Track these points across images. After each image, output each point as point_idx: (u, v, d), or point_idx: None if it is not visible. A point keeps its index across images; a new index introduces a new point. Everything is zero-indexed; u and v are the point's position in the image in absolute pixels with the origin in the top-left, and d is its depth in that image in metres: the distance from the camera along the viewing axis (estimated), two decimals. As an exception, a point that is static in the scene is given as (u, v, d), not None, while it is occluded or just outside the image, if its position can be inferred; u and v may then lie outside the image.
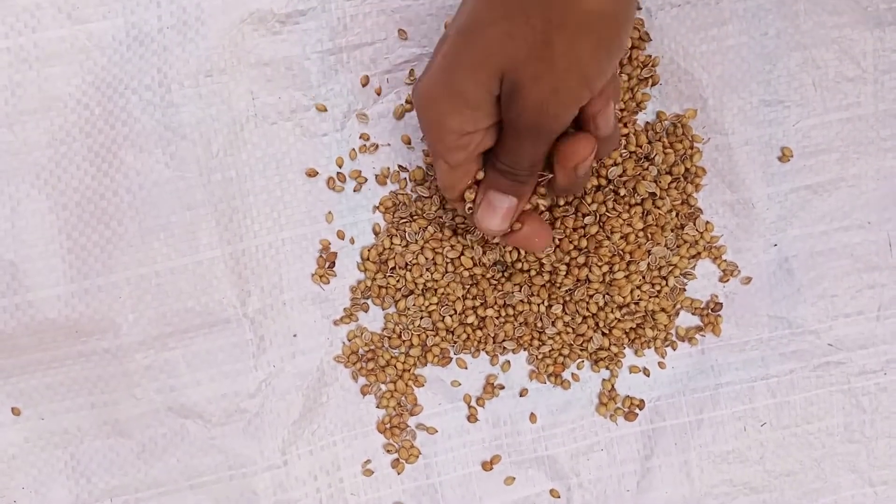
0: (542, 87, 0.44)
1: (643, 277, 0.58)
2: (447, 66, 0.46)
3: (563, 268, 0.58)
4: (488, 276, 0.59)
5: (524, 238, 0.53)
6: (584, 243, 0.57)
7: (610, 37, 0.43)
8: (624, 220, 0.57)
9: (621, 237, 0.57)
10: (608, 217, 0.57)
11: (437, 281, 0.58)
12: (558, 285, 0.58)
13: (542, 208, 0.55)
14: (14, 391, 0.58)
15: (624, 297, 0.58)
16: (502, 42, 0.43)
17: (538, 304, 0.59)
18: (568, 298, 0.58)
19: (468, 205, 0.52)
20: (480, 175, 0.51)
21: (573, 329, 0.59)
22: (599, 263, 0.57)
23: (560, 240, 0.57)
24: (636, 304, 0.59)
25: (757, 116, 0.58)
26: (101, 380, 0.58)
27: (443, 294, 0.59)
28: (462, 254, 0.58)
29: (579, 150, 0.48)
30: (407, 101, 0.58)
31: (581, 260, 0.57)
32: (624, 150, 0.57)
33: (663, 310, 0.59)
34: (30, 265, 0.56)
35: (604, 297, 0.58)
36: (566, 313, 0.59)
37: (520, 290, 0.58)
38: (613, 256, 0.57)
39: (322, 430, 0.59)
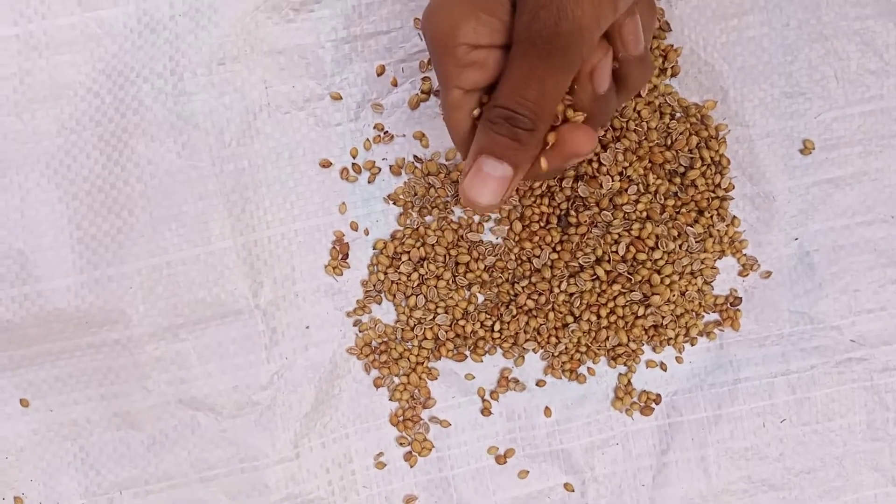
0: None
1: (678, 275, 0.57)
2: None
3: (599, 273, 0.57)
4: (503, 278, 0.58)
5: (562, 148, 0.43)
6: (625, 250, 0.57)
7: None
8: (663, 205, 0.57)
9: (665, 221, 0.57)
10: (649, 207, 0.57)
11: (447, 281, 0.58)
12: (598, 292, 0.58)
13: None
14: (23, 382, 0.57)
15: (662, 300, 0.57)
16: None
17: (560, 307, 0.58)
18: (594, 301, 0.58)
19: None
20: None
21: (594, 330, 0.58)
22: (643, 255, 0.57)
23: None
24: (667, 304, 0.58)
25: (778, 108, 0.57)
26: (111, 371, 0.57)
27: (451, 302, 0.58)
28: (477, 258, 0.58)
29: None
30: (422, 91, 0.57)
31: (622, 268, 0.57)
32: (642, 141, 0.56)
33: (687, 311, 0.58)
34: (39, 255, 0.55)
35: (627, 296, 0.57)
36: (592, 312, 0.58)
37: (540, 295, 0.58)
38: (658, 259, 0.57)
39: (334, 423, 0.59)
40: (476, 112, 0.44)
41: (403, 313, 0.58)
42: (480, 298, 0.59)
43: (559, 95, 0.42)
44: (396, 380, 0.59)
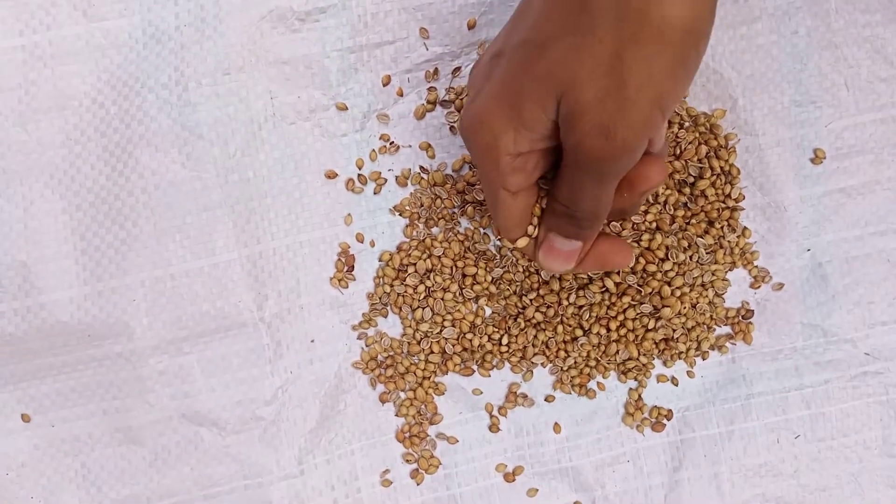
0: (607, 108, 0.39)
1: (689, 287, 0.56)
2: (503, 84, 0.42)
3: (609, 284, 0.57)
4: (511, 290, 0.57)
5: (600, 259, 0.48)
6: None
7: (686, 52, 0.39)
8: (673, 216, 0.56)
9: (675, 234, 0.56)
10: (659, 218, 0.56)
11: (454, 293, 0.57)
12: (607, 304, 0.57)
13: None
14: (24, 397, 0.56)
15: (672, 312, 0.56)
16: (566, 57, 0.39)
17: (569, 320, 0.57)
18: (604, 314, 0.57)
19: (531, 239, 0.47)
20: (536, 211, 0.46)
21: (604, 344, 0.57)
22: (654, 271, 0.56)
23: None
24: (678, 317, 0.57)
25: (788, 117, 0.56)
26: (113, 385, 0.56)
27: (458, 314, 0.57)
28: (484, 270, 0.57)
29: (652, 176, 0.44)
30: (428, 101, 0.56)
31: (632, 280, 0.56)
32: None
33: (699, 324, 0.57)
34: (42, 267, 0.54)
35: (637, 309, 0.56)
36: (601, 325, 0.57)
37: (548, 308, 0.57)
38: (669, 271, 0.56)
39: (339, 439, 0.58)
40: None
41: (410, 327, 0.58)
42: (488, 311, 0.58)
43: (611, 199, 0.43)
44: (403, 395, 0.58)
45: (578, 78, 0.39)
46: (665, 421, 0.58)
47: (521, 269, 0.57)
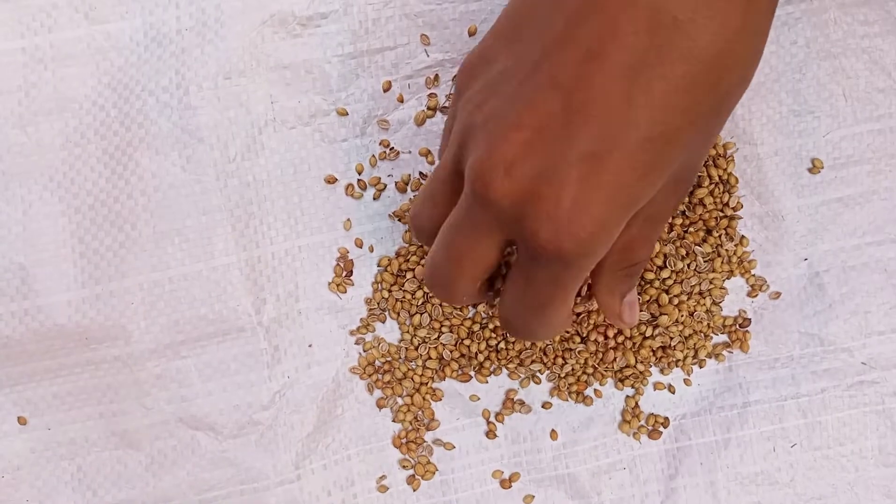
0: (699, 166, 0.43)
1: (687, 295, 0.56)
2: (624, 190, 0.38)
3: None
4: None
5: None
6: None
7: None
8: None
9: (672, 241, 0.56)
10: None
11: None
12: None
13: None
14: (20, 399, 0.56)
15: (670, 320, 0.56)
16: (692, 139, 0.40)
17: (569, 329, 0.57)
18: (601, 321, 0.57)
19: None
20: None
21: (601, 351, 0.57)
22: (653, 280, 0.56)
23: None
24: (675, 325, 0.57)
25: (786, 126, 0.57)
26: (110, 389, 0.56)
27: (456, 320, 0.57)
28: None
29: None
30: (428, 108, 0.56)
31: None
32: None
33: (696, 332, 0.58)
34: (40, 269, 0.54)
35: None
36: (599, 333, 0.57)
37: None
38: (667, 279, 0.56)
39: (336, 444, 0.57)
40: None
41: (407, 332, 0.58)
42: (486, 317, 0.58)
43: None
44: (400, 400, 0.58)
45: (701, 156, 0.42)
46: (662, 429, 0.59)
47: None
